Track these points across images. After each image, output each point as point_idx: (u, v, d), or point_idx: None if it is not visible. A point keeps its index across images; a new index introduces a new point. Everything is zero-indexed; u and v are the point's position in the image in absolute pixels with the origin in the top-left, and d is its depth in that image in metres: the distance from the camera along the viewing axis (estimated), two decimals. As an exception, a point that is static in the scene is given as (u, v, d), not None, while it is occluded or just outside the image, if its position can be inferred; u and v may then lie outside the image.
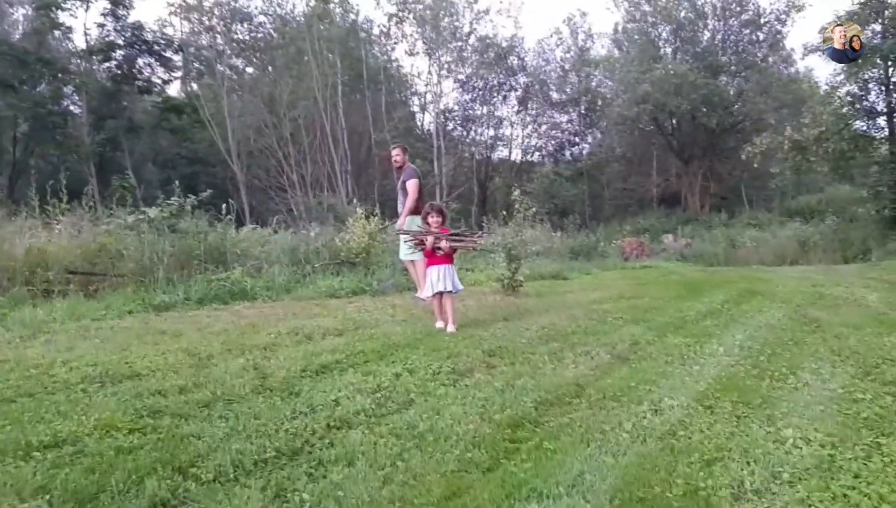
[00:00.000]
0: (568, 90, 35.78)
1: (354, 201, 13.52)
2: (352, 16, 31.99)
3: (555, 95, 36.00)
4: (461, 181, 33.34)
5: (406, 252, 7.26)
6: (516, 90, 34.74)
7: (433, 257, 5.62)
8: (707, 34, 30.17)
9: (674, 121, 31.08)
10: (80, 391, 3.61)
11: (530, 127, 37.02)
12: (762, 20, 28.45)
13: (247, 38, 31.05)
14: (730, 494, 2.42)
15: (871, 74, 17.67)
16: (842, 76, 18.44)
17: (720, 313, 6.78)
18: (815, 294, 8.24)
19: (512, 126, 36.61)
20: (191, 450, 2.75)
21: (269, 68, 31.07)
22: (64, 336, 5.19)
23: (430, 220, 5.77)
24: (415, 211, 7.57)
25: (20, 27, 30.57)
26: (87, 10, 27.45)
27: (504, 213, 9.92)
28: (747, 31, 29.02)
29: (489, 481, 2.51)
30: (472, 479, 2.53)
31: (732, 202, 30.19)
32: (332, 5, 29.84)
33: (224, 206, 9.25)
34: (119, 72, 29.14)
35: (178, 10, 28.48)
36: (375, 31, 33.36)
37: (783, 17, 28.06)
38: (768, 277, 11.21)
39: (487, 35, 32.31)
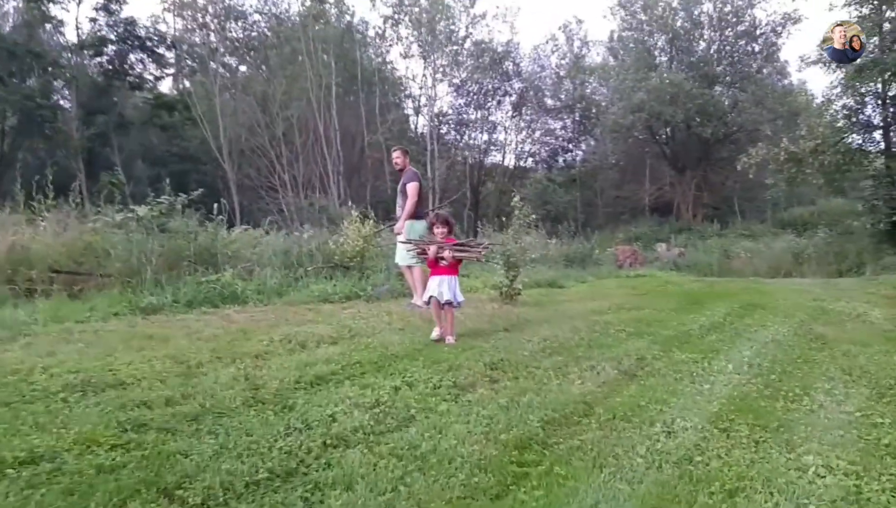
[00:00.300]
0: (562, 97, 35.79)
1: (350, 203, 13.29)
2: (347, 17, 31.85)
3: (549, 102, 36.01)
4: (454, 185, 33.21)
5: (405, 258, 7.09)
6: (511, 95, 34.75)
7: (437, 267, 5.40)
8: (703, 44, 30.28)
9: (668, 130, 31.11)
10: (61, 400, 3.41)
11: (524, 133, 37.02)
12: (758, 31, 28.58)
13: (241, 36, 30.85)
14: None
15: (869, 88, 17.68)
16: (838, 89, 18.45)
17: (724, 327, 6.65)
18: (818, 309, 8.14)
19: (506, 131, 36.64)
20: (177, 470, 2.56)
21: (263, 67, 30.80)
22: (45, 339, 4.97)
23: (435, 230, 5.56)
24: (414, 215, 7.40)
25: (10, 19, 30.15)
26: (79, 4, 27.40)
27: (497, 219, 9.77)
28: (743, 42, 29.14)
29: (498, 510, 2.33)
30: (479, 507, 2.36)
31: (724, 213, 30.26)
32: (327, 6, 29.67)
33: (216, 205, 9.03)
34: (110, 67, 28.90)
35: (172, 7, 28.24)
36: (370, 32, 33.24)
37: (779, 28, 28.23)
38: (768, 289, 11.12)
39: (483, 39, 32.30)
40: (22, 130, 26.07)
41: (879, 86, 17.55)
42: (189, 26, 29.48)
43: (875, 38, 15.85)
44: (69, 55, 28.69)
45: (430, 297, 5.39)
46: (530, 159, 38.16)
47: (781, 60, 30.44)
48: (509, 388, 3.90)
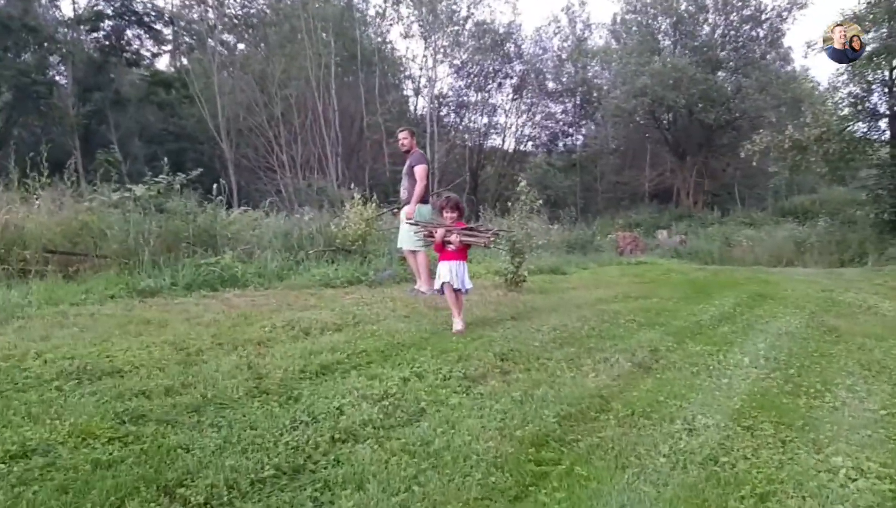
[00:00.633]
0: (564, 80, 35.37)
1: (352, 185, 13.10)
2: (347, -5, 31.33)
3: (551, 85, 35.58)
4: (453, 169, 32.92)
5: (410, 242, 6.93)
6: (512, 78, 34.26)
7: (444, 251, 5.18)
8: (707, 28, 29.86)
9: (670, 115, 30.86)
10: (55, 388, 3.26)
11: (524, 116, 36.54)
12: (763, 16, 28.22)
13: (239, 13, 30.32)
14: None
15: (876, 76, 17.45)
16: (844, 76, 18.20)
17: (734, 317, 6.52)
18: (828, 300, 8.03)
19: (506, 114, 36.15)
20: (178, 466, 2.42)
21: (262, 45, 30.29)
22: (39, 323, 4.82)
23: (445, 215, 5.33)
24: (422, 199, 7.24)
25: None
26: (75, -21, 26.68)
27: (497, 203, 9.60)
28: (747, 26, 28.75)
29: (519, 513, 2.21)
30: (498, 510, 2.23)
31: (725, 200, 30.12)
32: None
33: (214, 186, 8.83)
34: (107, 43, 28.45)
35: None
36: (371, 11, 32.72)
37: (784, 13, 27.88)
38: (773, 279, 10.98)
39: (485, 20, 31.83)
40: (17, 106, 25.68)
41: (887, 73, 17.33)
42: (187, 2, 28.93)
43: (885, 24, 15.56)
44: (65, 30, 28.15)
45: (443, 283, 5.13)
46: (530, 143, 37.79)
47: (785, 47, 30.19)
48: (522, 380, 3.77)
